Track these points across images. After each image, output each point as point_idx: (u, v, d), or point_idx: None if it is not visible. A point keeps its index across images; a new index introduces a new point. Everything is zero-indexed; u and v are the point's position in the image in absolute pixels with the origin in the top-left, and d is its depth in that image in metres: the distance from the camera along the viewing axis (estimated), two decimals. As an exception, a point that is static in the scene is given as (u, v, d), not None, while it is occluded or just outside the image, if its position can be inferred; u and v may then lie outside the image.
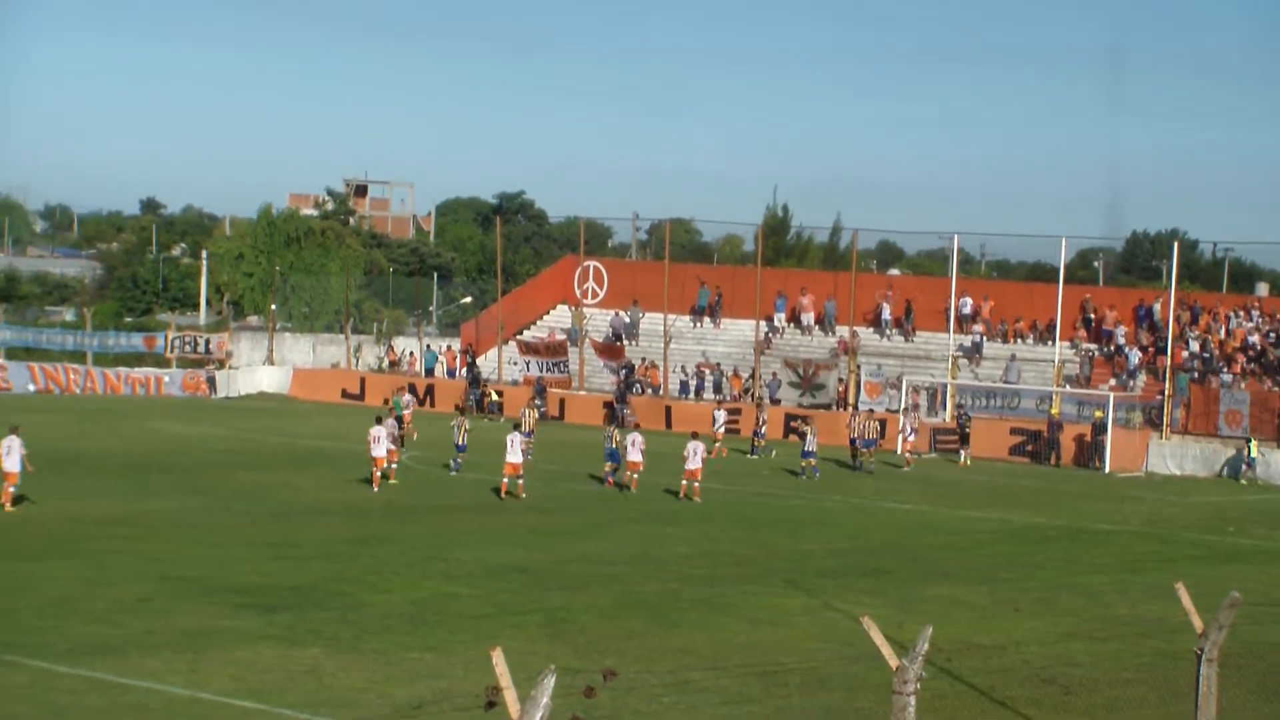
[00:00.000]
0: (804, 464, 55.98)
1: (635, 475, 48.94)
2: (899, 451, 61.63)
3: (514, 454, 46.46)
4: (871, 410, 65.98)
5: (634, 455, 48.73)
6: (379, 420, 49.52)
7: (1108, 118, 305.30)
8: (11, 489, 40.10)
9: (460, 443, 51.90)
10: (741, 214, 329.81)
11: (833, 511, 47.62)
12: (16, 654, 24.39)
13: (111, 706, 21.74)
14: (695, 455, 47.54)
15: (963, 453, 64.73)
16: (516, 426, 49.38)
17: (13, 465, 40.03)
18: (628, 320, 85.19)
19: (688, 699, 23.21)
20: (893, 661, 14.95)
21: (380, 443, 47.28)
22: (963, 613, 31.50)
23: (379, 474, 47.17)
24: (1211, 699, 17.95)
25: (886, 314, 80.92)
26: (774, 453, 62.76)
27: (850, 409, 68.78)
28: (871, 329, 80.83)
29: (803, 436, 57.76)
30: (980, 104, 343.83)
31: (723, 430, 62.68)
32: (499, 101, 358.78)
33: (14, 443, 40.13)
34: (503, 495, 46.27)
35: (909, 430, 62.12)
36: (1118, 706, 23.70)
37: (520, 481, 46.57)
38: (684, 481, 47.74)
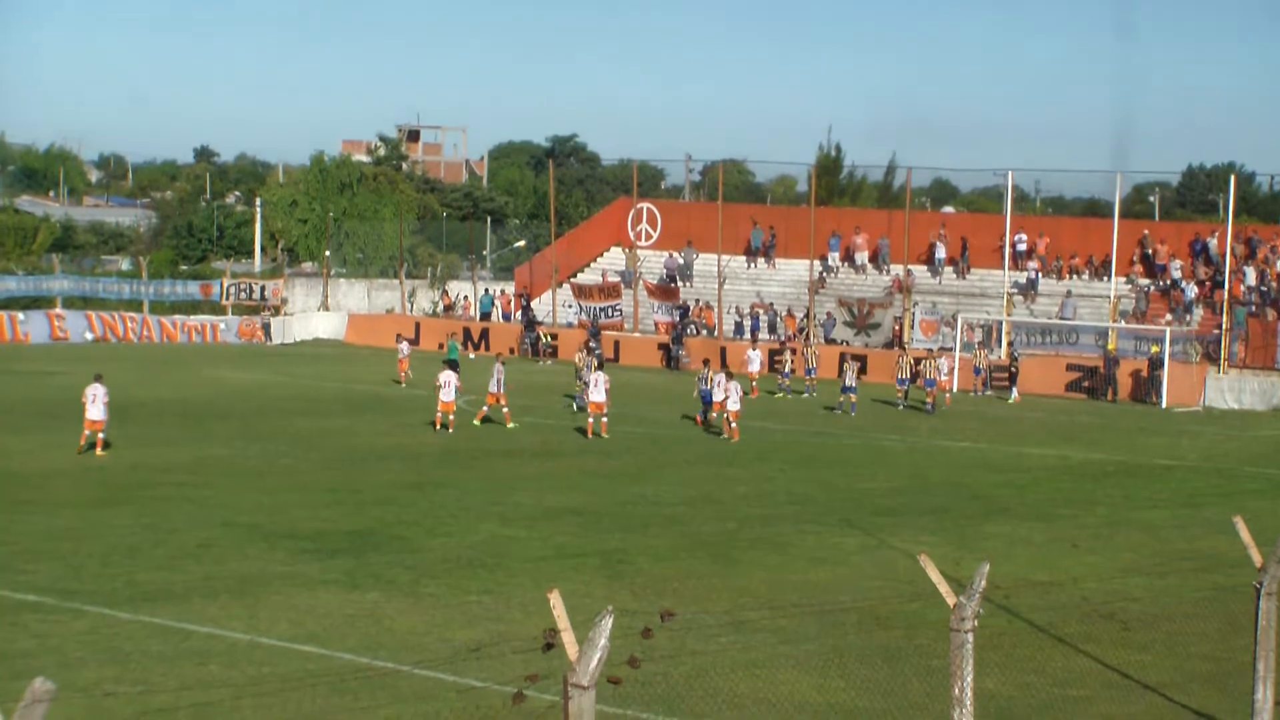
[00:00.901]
0: (842, 399, 56.42)
1: (719, 414, 49.45)
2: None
3: (598, 393, 46.84)
4: (931, 350, 65.64)
5: (720, 395, 49.06)
6: (447, 364, 49.89)
7: (1164, 51, 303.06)
8: (100, 435, 40.73)
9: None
10: (795, 155, 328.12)
11: (889, 450, 47.54)
12: (78, 600, 24.60)
13: (172, 652, 21.86)
14: (735, 395, 47.60)
15: (1013, 390, 64.53)
16: (600, 366, 49.79)
17: (97, 414, 40.53)
18: (681, 262, 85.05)
19: (745, 638, 23.22)
20: (950, 599, 14.89)
21: (449, 387, 47.48)
22: (1021, 550, 31.43)
23: (440, 417, 47.42)
24: (1271, 633, 17.86)
25: (941, 252, 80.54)
26: (807, 394, 62.83)
27: (900, 349, 68.51)
28: (926, 267, 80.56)
29: (843, 373, 58.04)
30: (1034, 38, 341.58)
31: (757, 370, 62.78)
32: (550, 44, 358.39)
33: (98, 390, 40.56)
34: (589, 434, 46.61)
35: (945, 368, 61.78)
36: (1176, 641, 23.61)
37: (604, 420, 46.88)
38: (732, 424, 47.79)
